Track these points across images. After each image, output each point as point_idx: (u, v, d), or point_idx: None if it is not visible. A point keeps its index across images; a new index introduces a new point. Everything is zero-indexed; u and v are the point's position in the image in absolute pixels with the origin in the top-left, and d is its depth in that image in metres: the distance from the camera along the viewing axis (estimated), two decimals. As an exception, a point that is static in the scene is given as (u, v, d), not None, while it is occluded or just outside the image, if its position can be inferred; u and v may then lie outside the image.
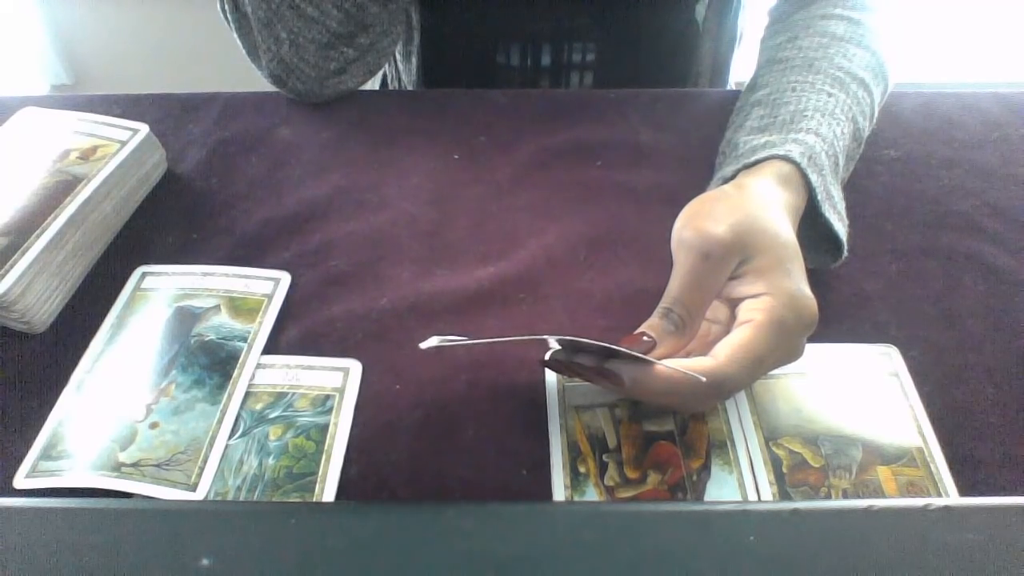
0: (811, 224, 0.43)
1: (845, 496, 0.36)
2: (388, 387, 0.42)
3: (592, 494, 0.37)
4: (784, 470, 0.38)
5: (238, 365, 0.42)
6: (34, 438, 0.39)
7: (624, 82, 0.68)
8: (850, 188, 0.49)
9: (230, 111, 0.61)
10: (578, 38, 0.67)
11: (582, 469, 0.38)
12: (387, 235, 0.50)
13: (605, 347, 0.34)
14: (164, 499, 0.36)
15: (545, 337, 0.36)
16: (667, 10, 0.66)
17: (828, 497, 0.36)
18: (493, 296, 0.46)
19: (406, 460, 0.38)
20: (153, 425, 0.39)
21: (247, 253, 0.49)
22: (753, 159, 0.42)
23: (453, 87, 0.69)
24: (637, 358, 0.34)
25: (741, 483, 0.37)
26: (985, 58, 1.60)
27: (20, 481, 0.37)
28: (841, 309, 0.45)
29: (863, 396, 0.41)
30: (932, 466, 0.38)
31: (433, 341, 0.37)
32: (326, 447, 0.39)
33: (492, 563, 0.25)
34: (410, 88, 0.76)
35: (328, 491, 0.37)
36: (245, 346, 0.43)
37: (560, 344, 0.37)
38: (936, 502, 0.27)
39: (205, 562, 0.25)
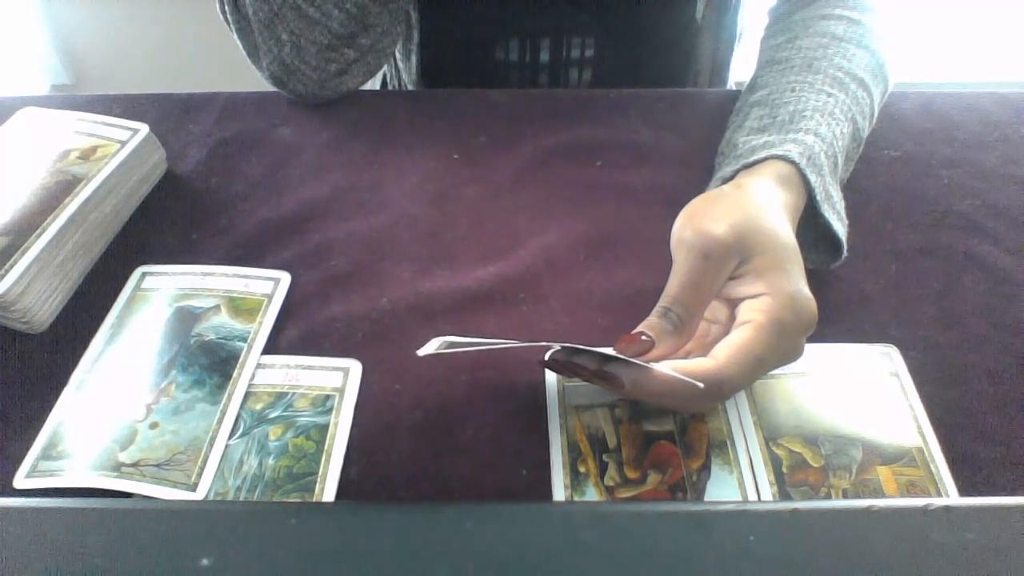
0: (810, 224, 0.43)
1: (845, 496, 0.36)
2: (388, 387, 0.42)
3: (592, 494, 0.37)
4: (784, 470, 0.38)
5: (238, 365, 0.42)
6: (34, 438, 0.39)
7: (623, 78, 0.68)
8: (850, 188, 0.49)
9: (230, 111, 0.61)
10: (578, 34, 0.67)
11: (582, 469, 0.38)
12: (387, 235, 0.50)
13: (604, 354, 0.34)
14: (164, 499, 0.36)
15: (543, 344, 0.37)
16: (667, 7, 0.66)
17: (828, 497, 0.36)
18: (493, 296, 0.46)
19: (406, 460, 0.38)
20: (153, 425, 0.39)
21: (247, 253, 0.49)
22: (752, 159, 0.42)
23: (452, 83, 0.70)
24: (636, 364, 0.34)
25: (741, 483, 0.37)
26: (985, 58, 1.60)
27: (20, 481, 0.37)
28: (841, 309, 0.45)
29: (863, 396, 0.41)
30: (932, 466, 0.38)
31: (431, 347, 0.37)
32: (326, 447, 0.39)
33: (492, 563, 0.25)
34: (410, 87, 0.76)
35: (328, 491, 0.37)
36: (245, 346, 0.43)
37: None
38: (936, 502, 0.27)
39: (205, 562, 0.25)
